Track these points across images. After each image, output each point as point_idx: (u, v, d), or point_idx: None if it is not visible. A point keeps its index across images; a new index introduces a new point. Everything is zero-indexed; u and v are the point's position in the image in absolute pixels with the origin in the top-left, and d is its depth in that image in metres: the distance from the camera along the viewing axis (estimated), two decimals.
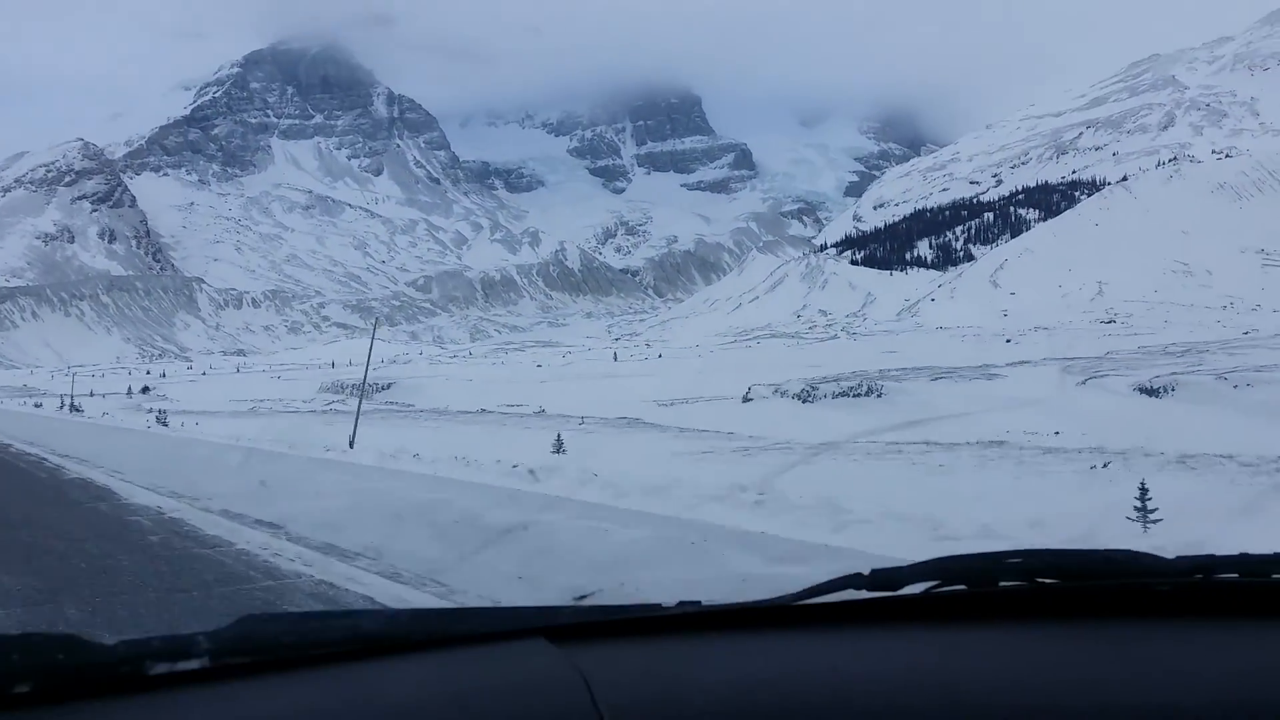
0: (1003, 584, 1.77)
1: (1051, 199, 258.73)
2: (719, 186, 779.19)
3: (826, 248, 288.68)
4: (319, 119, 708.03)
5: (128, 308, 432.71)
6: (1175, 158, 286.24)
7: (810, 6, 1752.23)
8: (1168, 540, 7.74)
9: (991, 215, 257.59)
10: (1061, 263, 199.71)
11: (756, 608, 1.77)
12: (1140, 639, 1.62)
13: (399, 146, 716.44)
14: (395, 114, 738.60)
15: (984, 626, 1.71)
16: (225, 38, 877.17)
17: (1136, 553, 1.79)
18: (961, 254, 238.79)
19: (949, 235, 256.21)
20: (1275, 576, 1.70)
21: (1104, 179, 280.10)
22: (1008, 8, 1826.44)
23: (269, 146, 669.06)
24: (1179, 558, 1.76)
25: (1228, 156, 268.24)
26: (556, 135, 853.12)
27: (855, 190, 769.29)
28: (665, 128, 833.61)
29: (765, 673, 1.49)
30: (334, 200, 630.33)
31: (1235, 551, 1.76)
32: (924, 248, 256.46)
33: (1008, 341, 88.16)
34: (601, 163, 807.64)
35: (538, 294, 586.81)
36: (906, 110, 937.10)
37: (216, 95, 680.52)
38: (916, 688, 1.42)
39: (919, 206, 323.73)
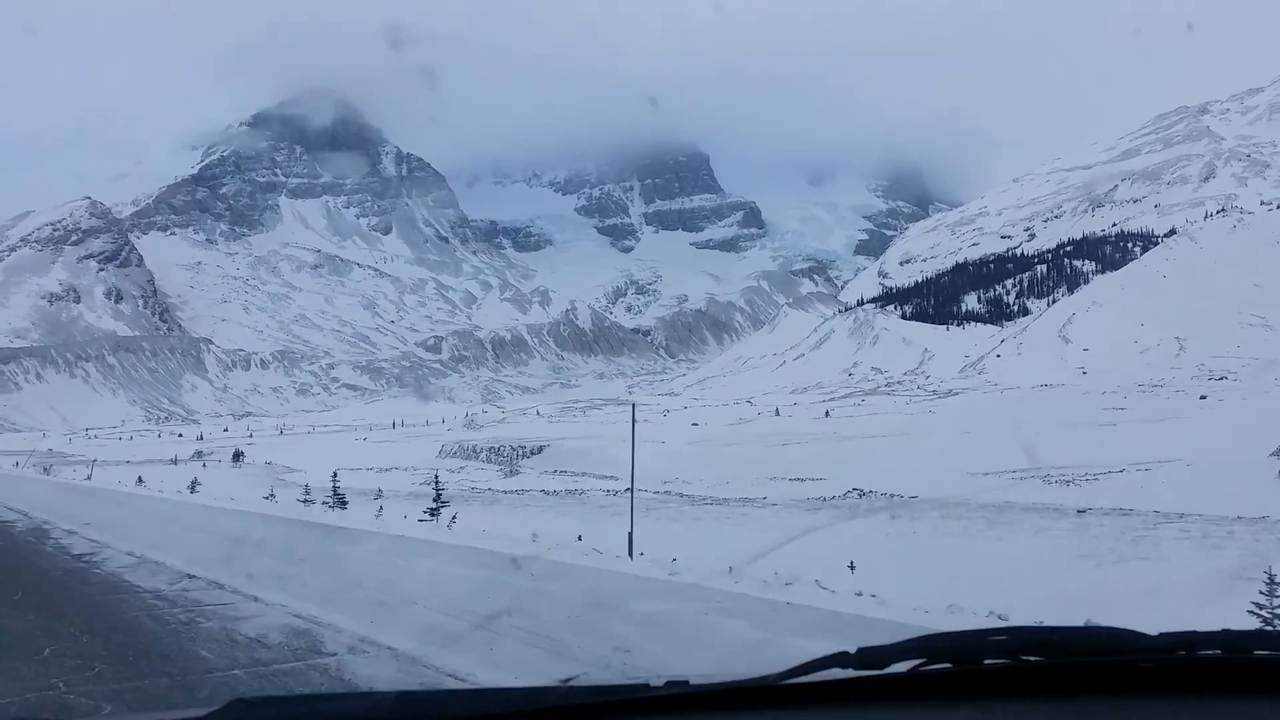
0: (988, 662, 1.72)
1: (1104, 250, 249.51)
2: (728, 245, 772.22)
3: (863, 304, 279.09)
4: (327, 178, 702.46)
5: (134, 369, 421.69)
6: (1224, 209, 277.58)
7: (816, 66, 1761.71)
8: None
9: (1045, 268, 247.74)
10: (1132, 316, 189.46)
11: (743, 688, 1.71)
12: (1124, 716, 1.59)
13: (407, 205, 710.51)
14: (403, 172, 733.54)
15: (969, 705, 1.66)
16: (233, 96, 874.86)
17: (1121, 630, 1.75)
18: (1015, 308, 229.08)
19: (998, 289, 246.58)
20: (1257, 653, 1.68)
21: (1150, 230, 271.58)
22: (1012, 70, 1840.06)
23: (277, 205, 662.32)
24: (1162, 635, 1.72)
25: (1278, 208, 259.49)
26: (564, 194, 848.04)
27: (866, 249, 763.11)
28: (674, 186, 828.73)
29: None
30: (342, 259, 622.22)
31: (1218, 629, 1.71)
32: (971, 301, 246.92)
33: (1202, 398, 76.89)
34: (610, 221, 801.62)
35: (549, 354, 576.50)
36: (914, 169, 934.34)
37: (224, 154, 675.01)
38: None
39: (955, 260, 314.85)
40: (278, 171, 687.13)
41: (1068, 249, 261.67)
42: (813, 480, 36.32)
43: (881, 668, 1.72)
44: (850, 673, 1.72)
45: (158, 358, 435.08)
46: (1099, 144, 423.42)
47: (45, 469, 50.32)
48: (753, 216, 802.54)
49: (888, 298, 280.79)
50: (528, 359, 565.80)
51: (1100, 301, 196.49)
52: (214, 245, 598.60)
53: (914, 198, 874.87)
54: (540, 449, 59.34)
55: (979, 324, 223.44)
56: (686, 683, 1.76)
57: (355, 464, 57.80)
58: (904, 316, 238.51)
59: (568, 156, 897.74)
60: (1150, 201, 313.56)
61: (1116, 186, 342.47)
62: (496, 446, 64.24)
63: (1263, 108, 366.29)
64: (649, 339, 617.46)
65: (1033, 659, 1.72)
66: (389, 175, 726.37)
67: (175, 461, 75.06)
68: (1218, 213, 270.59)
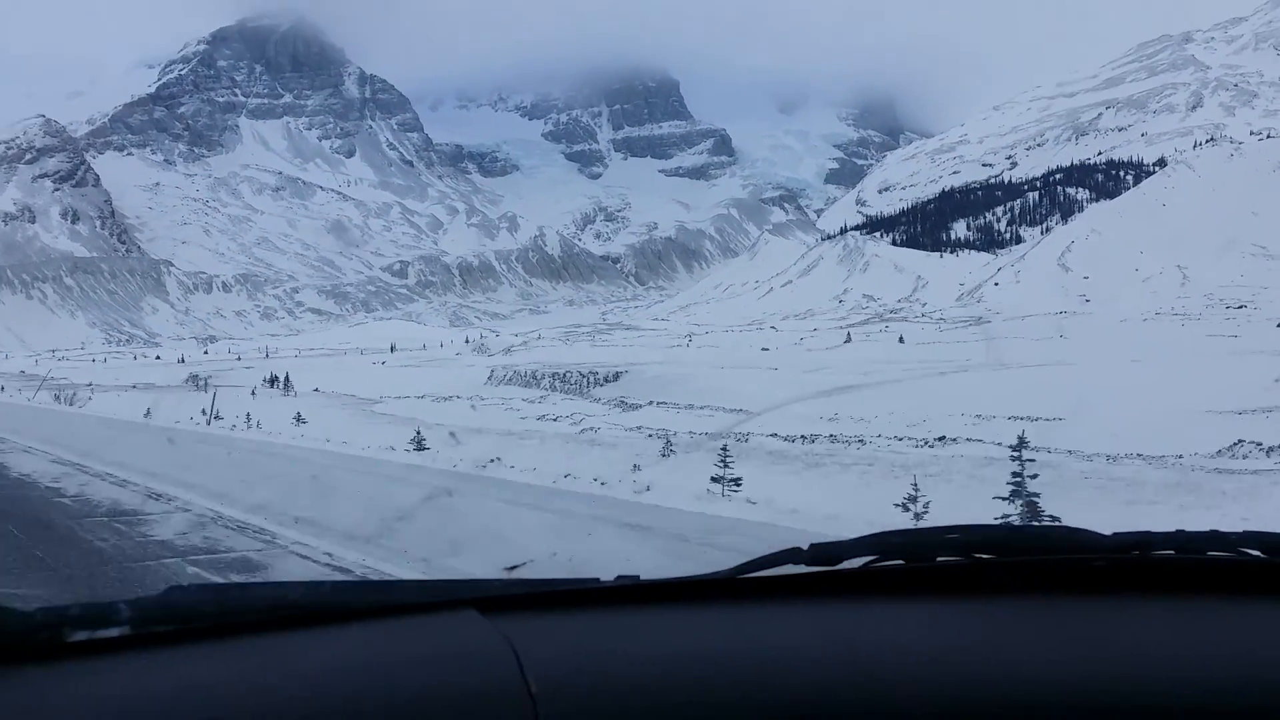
0: (940, 559, 1.73)
1: (1095, 178, 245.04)
2: (698, 173, 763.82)
3: (847, 231, 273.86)
4: (288, 98, 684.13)
5: (93, 291, 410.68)
6: (1214, 138, 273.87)
7: None
8: None
9: (1036, 195, 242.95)
10: (1132, 244, 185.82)
11: (694, 582, 1.70)
12: (1075, 615, 1.60)
13: (371, 128, 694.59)
14: (367, 94, 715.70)
15: (921, 601, 1.67)
16: (191, 14, 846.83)
17: (1074, 529, 1.76)
18: (1007, 235, 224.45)
19: (988, 216, 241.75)
20: (1211, 554, 1.69)
21: (1140, 158, 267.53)
22: None
23: (237, 126, 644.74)
24: (1115, 534, 1.73)
25: (1269, 137, 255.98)
26: (530, 119, 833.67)
27: (836, 177, 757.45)
28: (643, 112, 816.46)
29: (701, 646, 1.43)
30: (305, 182, 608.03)
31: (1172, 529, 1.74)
32: (961, 229, 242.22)
33: None
34: (578, 147, 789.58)
35: (517, 280, 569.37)
36: (885, 98, 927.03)
37: (182, 73, 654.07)
38: (852, 660, 1.39)
39: (938, 188, 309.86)
40: (237, 91, 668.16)
41: (1057, 176, 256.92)
42: (1050, 421, 30.47)
43: (834, 564, 1.68)
44: (802, 569, 1.67)
45: (117, 279, 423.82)
46: (1080, 72, 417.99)
47: (62, 397, 43.39)
48: (723, 144, 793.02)
49: (872, 225, 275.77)
50: (496, 285, 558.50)
51: (1099, 229, 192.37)
52: (172, 166, 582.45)
53: (885, 127, 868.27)
54: (616, 376, 53.02)
55: (971, 251, 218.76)
56: (636, 578, 1.72)
57: (402, 391, 51.63)
58: (893, 244, 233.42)
59: (534, 80, 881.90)
60: (1137, 130, 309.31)
61: (1101, 115, 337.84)
62: (561, 373, 57.46)
63: (1248, 37, 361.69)
64: (618, 266, 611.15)
65: (984, 556, 1.71)
66: (352, 97, 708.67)
67: (201, 384, 65.82)
68: (1207, 142, 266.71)
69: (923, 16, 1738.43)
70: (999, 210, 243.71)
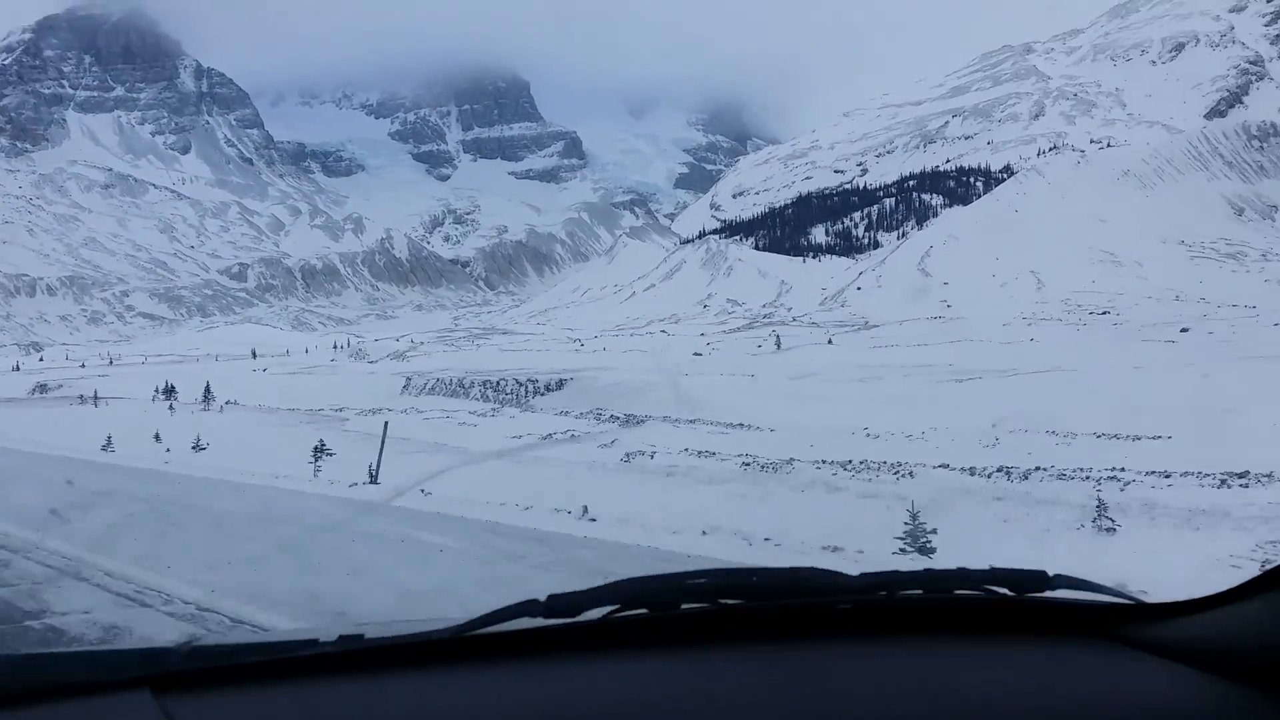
0: (685, 606, 1.67)
1: (947, 185, 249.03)
2: (549, 175, 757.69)
3: (705, 235, 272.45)
4: (120, 91, 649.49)
5: None
6: (1056, 146, 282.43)
7: None
8: None
9: (892, 202, 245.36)
10: (987, 250, 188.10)
11: (420, 642, 1.58)
12: (821, 658, 1.55)
13: (208, 123, 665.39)
14: (204, 88, 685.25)
15: (666, 652, 1.60)
16: (15, 1, 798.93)
17: (821, 570, 1.70)
18: (865, 240, 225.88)
19: (846, 222, 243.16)
20: (958, 593, 1.67)
21: (988, 165, 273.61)
22: (829, 8, 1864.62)
23: (63, 120, 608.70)
24: (863, 575, 1.68)
25: (1109, 145, 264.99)
26: (377, 117, 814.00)
27: (686, 182, 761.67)
28: (492, 113, 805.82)
29: (431, 714, 1.33)
30: (136, 179, 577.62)
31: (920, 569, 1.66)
32: (819, 234, 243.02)
33: (1183, 330, 70.18)
34: (426, 147, 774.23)
35: (363, 284, 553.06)
36: (733, 104, 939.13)
37: (5, 63, 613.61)
38: (594, 718, 1.31)
39: (792, 194, 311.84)
40: (65, 83, 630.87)
41: (911, 183, 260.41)
42: (1152, 439, 25.86)
43: (573, 615, 1.61)
44: (540, 622, 1.60)
45: None
46: (925, 81, 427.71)
47: None
48: (573, 147, 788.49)
49: (730, 229, 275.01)
50: (341, 289, 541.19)
51: (956, 235, 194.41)
52: None
53: (733, 132, 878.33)
54: (560, 384, 46.78)
55: (832, 256, 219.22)
56: (361, 637, 1.59)
57: (315, 404, 44.47)
58: (755, 248, 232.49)
59: (380, 78, 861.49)
60: (983, 138, 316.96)
61: (947, 123, 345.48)
62: (494, 380, 50.50)
63: (1086, 48, 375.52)
64: (468, 270, 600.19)
65: (731, 602, 1.66)
66: (187, 91, 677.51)
67: (79, 397, 54.59)
68: (1050, 150, 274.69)
69: (768, 25, 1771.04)
70: (856, 216, 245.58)
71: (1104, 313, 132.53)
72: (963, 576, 1.67)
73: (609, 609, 1.64)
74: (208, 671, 1.44)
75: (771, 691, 1.42)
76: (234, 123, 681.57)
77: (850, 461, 22.03)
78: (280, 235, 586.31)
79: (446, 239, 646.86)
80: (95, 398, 52.07)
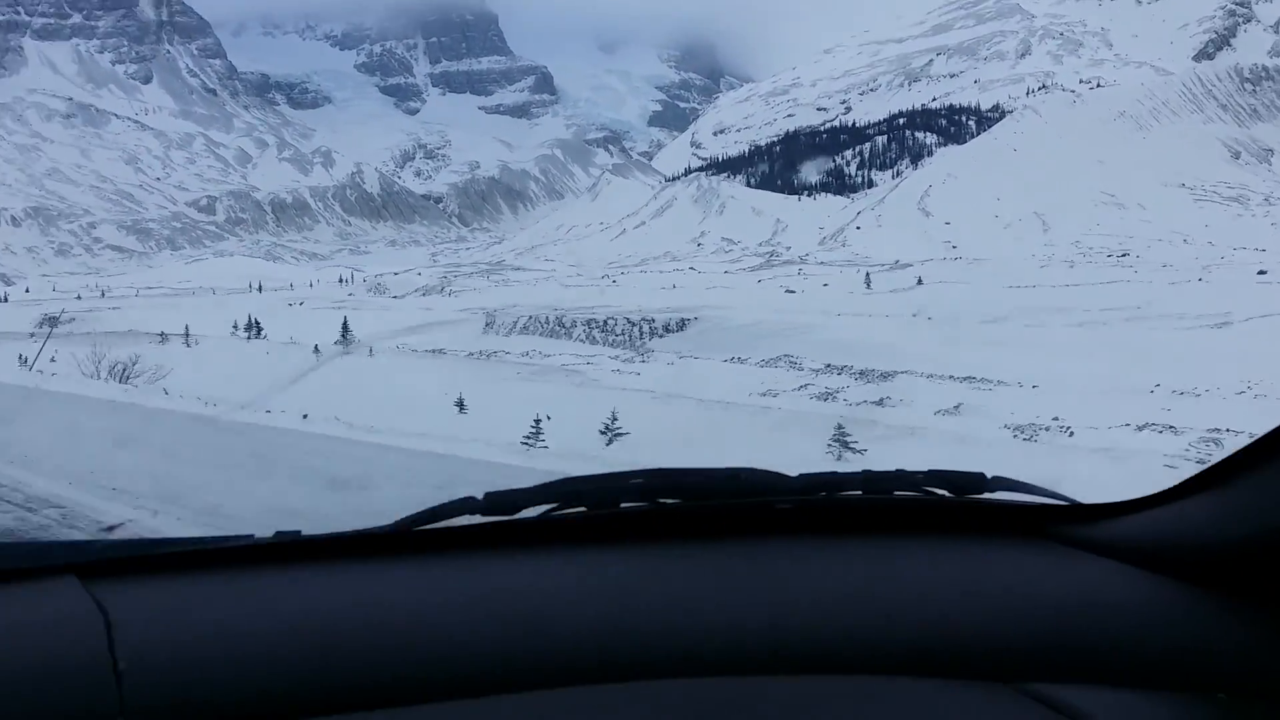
0: (624, 505, 1.66)
1: (939, 123, 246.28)
2: (520, 111, 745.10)
3: (691, 172, 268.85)
4: (77, 19, 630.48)
5: None
6: (1045, 85, 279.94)
7: None
8: None
9: (885, 140, 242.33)
10: (989, 190, 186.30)
11: (360, 537, 1.56)
12: (759, 557, 1.58)
13: (169, 53, 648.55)
14: (164, 17, 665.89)
15: (603, 548, 1.61)
16: None
17: (762, 471, 1.70)
18: (859, 179, 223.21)
19: (838, 160, 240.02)
20: (897, 494, 1.70)
21: (977, 104, 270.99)
22: None
23: (20, 48, 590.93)
24: (802, 475, 1.70)
25: (1099, 85, 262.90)
26: (342, 49, 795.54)
27: (660, 120, 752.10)
28: (461, 46, 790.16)
29: (357, 604, 1.33)
30: (98, 109, 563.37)
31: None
32: (811, 172, 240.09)
33: None
34: (393, 80, 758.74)
35: (335, 219, 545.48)
36: (706, 41, 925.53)
37: None
38: (531, 612, 1.34)
39: (775, 132, 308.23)
40: (20, 10, 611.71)
41: (901, 120, 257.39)
42: None
43: (512, 513, 1.59)
44: (479, 519, 1.58)
45: None
46: (904, 18, 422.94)
47: None
48: (544, 82, 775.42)
49: (717, 167, 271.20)
50: (312, 223, 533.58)
51: (954, 174, 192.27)
52: None
53: (706, 70, 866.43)
54: (682, 323, 43.26)
55: (826, 195, 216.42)
56: (298, 534, 1.55)
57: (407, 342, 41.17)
58: (746, 186, 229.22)
59: (344, 8, 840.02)
60: (969, 77, 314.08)
61: (932, 61, 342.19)
62: (599, 320, 46.82)
63: None
64: (441, 206, 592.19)
65: (670, 501, 1.65)
66: (147, 19, 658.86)
67: (164, 337, 47.92)
68: (1040, 89, 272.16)
69: None
70: (848, 154, 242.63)
71: (1122, 255, 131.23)
72: (902, 478, 1.68)
73: (548, 507, 1.62)
74: (135, 560, 1.43)
75: (715, 585, 1.46)
76: (195, 52, 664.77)
77: None
78: (248, 168, 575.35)
79: (418, 174, 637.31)
80: (185, 334, 46.46)
